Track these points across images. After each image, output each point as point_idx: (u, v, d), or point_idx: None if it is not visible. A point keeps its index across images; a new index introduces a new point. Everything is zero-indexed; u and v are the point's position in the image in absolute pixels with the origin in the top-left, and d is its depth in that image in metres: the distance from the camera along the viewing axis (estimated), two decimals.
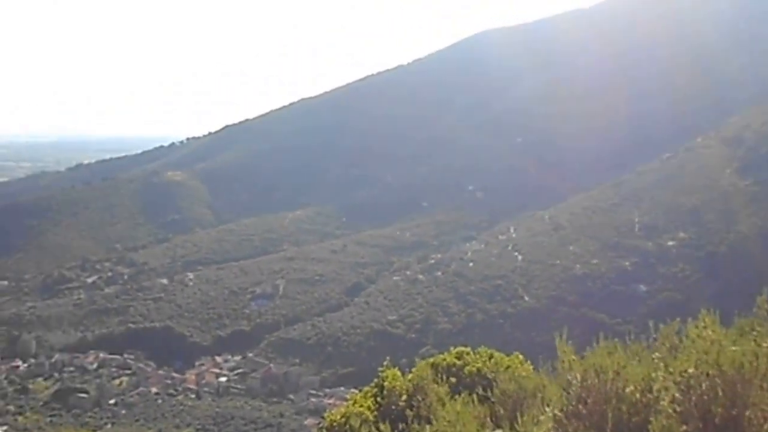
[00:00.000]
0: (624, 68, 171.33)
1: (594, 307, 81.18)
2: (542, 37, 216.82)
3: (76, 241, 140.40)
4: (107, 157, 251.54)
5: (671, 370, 4.26)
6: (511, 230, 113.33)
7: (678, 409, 4.07)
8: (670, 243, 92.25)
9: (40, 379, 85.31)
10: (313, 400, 75.78)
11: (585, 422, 4.32)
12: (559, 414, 4.50)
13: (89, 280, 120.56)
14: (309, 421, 66.73)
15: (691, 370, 4.08)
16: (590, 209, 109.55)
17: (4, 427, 70.57)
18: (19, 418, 73.33)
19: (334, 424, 7.75)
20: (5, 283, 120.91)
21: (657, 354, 4.81)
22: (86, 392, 79.93)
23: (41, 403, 77.50)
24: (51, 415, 74.67)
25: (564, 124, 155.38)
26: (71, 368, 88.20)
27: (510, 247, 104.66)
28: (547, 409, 4.73)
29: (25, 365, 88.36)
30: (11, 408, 75.95)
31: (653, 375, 4.42)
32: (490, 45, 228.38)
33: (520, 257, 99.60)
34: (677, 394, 4.11)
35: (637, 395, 4.34)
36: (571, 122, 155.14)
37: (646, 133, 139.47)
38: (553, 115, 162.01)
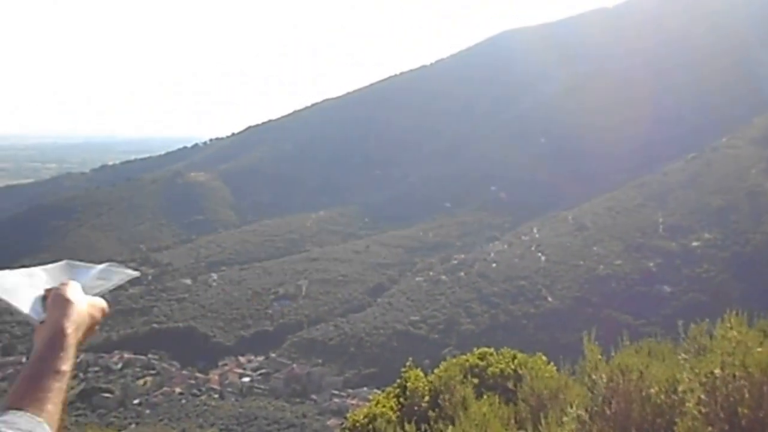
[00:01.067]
0: (649, 67, 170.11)
1: (618, 308, 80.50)
2: (566, 36, 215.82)
3: (101, 242, 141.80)
4: (131, 158, 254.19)
5: (696, 371, 4.23)
6: (535, 231, 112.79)
7: (703, 410, 4.04)
8: (695, 243, 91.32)
9: None
10: (336, 400, 75.90)
11: (609, 423, 4.30)
12: (583, 414, 4.49)
13: None
14: (332, 421, 66.84)
15: (716, 372, 4.05)
16: (614, 209, 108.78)
17: None
18: None
19: (357, 424, 7.76)
20: None
21: (683, 355, 4.79)
22: (111, 392, 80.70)
23: (67, 403, 78.33)
24: (76, 415, 75.37)
25: (588, 124, 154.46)
26: (96, 368, 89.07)
27: (533, 248, 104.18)
28: (570, 409, 4.71)
29: None
30: None
31: (678, 376, 4.39)
32: (512, 45, 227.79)
33: (543, 258, 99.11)
34: (703, 396, 4.08)
35: (662, 396, 4.32)
36: (595, 122, 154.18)
37: (671, 132, 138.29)
38: (577, 114, 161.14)
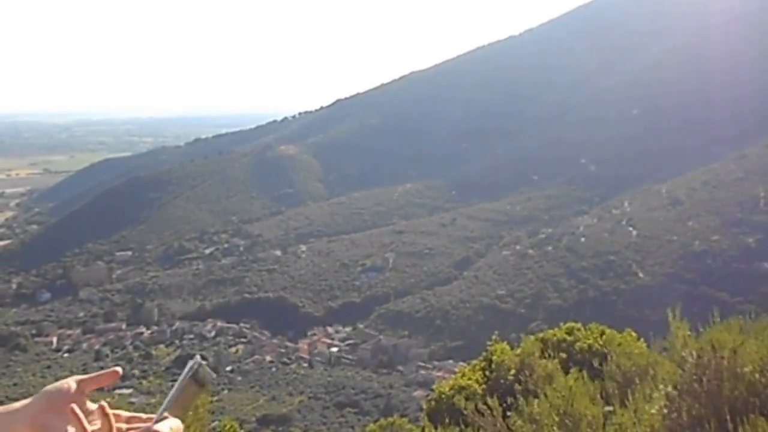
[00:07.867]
0: (749, 35, 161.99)
1: (714, 286, 77.78)
2: (661, 3, 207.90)
3: (195, 214, 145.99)
4: (223, 131, 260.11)
5: None
6: (626, 204, 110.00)
7: None
8: None
9: (161, 345, 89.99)
10: (422, 372, 76.49)
11: (699, 400, 4.21)
12: (673, 391, 4.40)
13: (207, 251, 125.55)
14: (418, 392, 67.47)
15: None
16: (711, 183, 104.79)
17: (130, 390, 75.08)
18: (143, 382, 77.69)
19: (443, 396, 7.84)
20: (129, 253, 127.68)
21: None
22: (204, 359, 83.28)
23: (163, 368, 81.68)
24: (172, 380, 78.56)
25: (683, 95, 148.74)
26: (191, 335, 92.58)
27: (624, 222, 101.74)
28: (659, 386, 4.63)
29: (149, 332, 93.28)
30: (136, 372, 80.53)
31: None
32: (603, 14, 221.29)
33: (634, 232, 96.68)
34: None
35: (756, 375, 4.19)
36: (690, 93, 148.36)
37: None
38: (672, 85, 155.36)
